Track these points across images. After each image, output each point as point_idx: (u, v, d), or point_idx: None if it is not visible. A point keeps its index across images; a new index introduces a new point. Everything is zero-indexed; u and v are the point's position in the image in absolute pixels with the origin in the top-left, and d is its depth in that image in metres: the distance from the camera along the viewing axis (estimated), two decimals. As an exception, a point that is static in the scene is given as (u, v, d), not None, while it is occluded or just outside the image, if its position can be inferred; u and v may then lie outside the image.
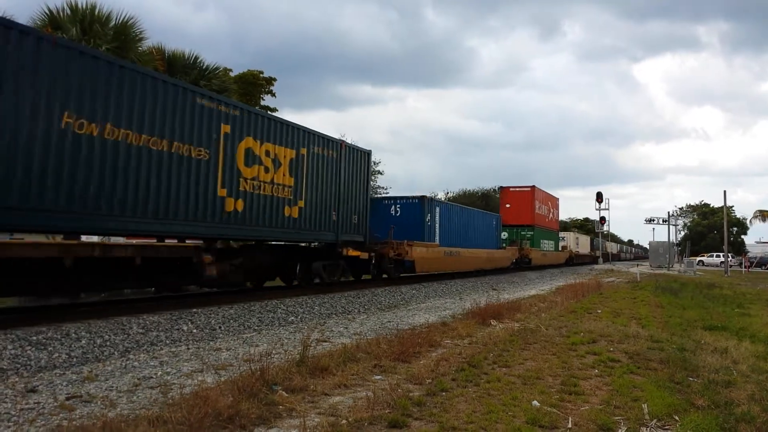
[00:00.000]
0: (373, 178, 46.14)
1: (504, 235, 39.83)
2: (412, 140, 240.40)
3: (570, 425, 5.52)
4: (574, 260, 59.15)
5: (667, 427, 5.63)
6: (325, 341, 10.07)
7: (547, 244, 48.47)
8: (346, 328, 11.93)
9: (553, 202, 53.34)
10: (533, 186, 45.02)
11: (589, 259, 69.28)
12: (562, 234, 59.45)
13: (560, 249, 54.58)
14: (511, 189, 45.22)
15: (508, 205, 44.14)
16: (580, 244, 65.33)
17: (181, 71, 23.37)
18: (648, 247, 78.21)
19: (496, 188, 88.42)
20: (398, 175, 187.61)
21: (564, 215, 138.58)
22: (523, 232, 43.15)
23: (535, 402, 6.18)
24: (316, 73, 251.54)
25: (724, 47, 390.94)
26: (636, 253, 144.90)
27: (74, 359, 8.39)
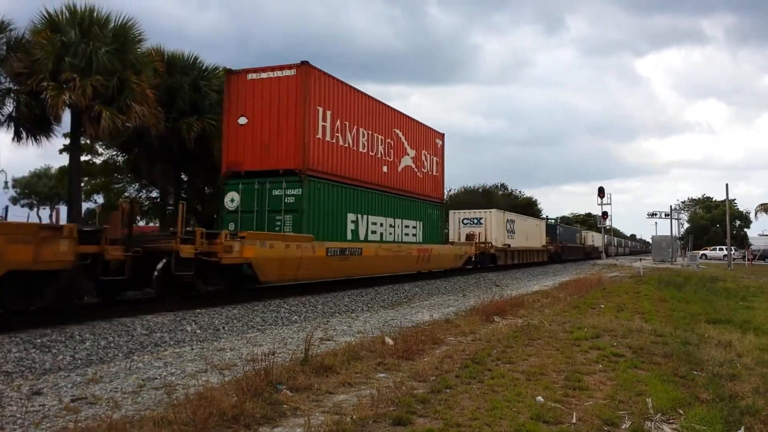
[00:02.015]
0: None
1: (231, 200, 18.32)
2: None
3: (574, 420, 5.52)
4: (499, 259, 37.17)
5: (671, 421, 5.62)
6: (329, 340, 10.08)
7: (380, 228, 21.96)
8: (350, 326, 11.94)
9: (422, 135, 26.51)
10: (305, 64, 17.90)
11: (545, 257, 48.46)
12: (466, 213, 37.98)
13: (458, 241, 33.37)
14: (250, 75, 18.41)
15: (243, 120, 18.31)
16: (520, 232, 41.93)
17: (181, 72, 23.40)
18: (650, 241, 77.76)
19: (499, 184, 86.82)
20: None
21: (567, 211, 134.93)
22: (276, 192, 17.85)
23: (539, 398, 6.17)
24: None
25: (729, 40, 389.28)
26: (633, 247, 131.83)
27: (78, 361, 8.40)
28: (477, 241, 33.56)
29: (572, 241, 57.83)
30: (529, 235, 44.63)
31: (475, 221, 36.84)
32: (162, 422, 5.04)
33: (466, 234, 34.72)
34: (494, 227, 36.78)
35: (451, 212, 37.70)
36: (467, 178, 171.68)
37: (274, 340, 10.01)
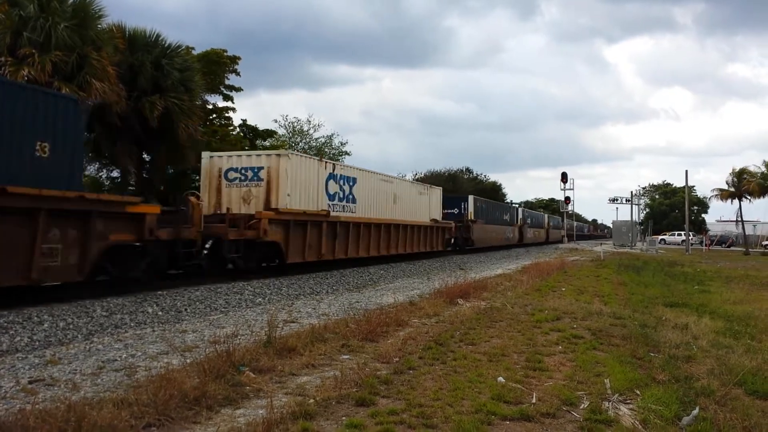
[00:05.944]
0: (340, 159, 45.49)
1: None
2: (387, 121, 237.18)
3: (534, 400, 5.61)
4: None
5: (628, 401, 5.75)
6: (293, 322, 10.06)
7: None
8: (314, 308, 11.92)
9: None
10: None
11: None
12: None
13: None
14: None
15: None
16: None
17: (143, 49, 22.89)
18: (610, 226, 78.35)
19: (464, 168, 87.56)
20: (372, 156, 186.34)
21: (531, 196, 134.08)
22: None
23: (500, 378, 6.26)
24: (292, 52, 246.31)
25: (698, 28, 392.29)
26: (579, 228, 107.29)
27: (36, 343, 8.25)
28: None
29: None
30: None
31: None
32: (122, 404, 4.98)
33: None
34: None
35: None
36: (439, 162, 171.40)
37: (237, 322, 9.95)
